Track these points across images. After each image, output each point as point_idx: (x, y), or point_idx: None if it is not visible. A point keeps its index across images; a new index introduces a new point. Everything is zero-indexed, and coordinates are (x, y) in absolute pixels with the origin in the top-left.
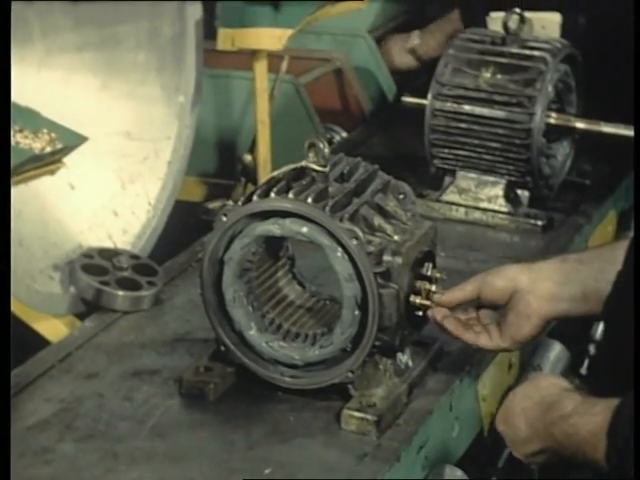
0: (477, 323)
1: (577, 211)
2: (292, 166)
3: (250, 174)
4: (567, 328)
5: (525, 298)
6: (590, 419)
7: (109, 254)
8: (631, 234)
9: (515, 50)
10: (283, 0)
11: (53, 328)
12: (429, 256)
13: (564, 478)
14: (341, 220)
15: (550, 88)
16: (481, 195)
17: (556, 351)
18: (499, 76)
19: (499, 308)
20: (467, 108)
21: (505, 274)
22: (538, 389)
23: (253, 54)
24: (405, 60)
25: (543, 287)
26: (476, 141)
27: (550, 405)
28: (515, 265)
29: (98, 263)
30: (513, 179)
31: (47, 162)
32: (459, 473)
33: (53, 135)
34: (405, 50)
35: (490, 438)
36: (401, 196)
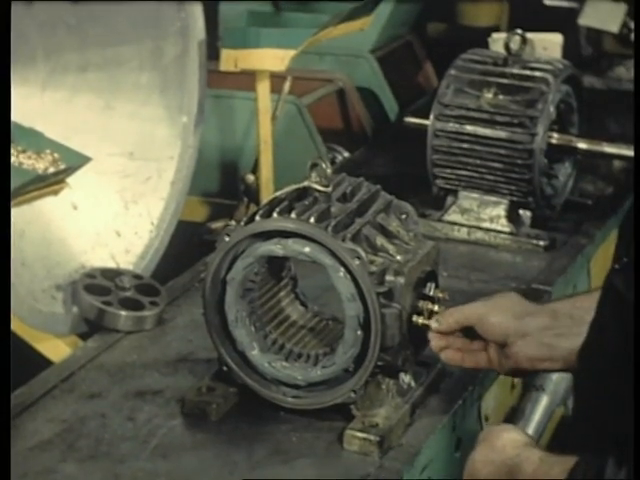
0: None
1: (579, 231)
2: (295, 186)
3: (253, 194)
4: None
5: (516, 355)
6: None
7: (112, 274)
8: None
9: (517, 71)
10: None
11: (55, 348)
12: (431, 276)
13: None
14: (343, 240)
15: (552, 109)
16: (483, 215)
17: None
18: (501, 97)
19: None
20: (469, 128)
21: (497, 320)
22: (496, 451)
23: (256, 75)
24: None
25: (533, 348)
26: (478, 161)
27: (512, 468)
28: (505, 312)
29: (101, 283)
30: (515, 199)
31: (50, 182)
32: None
33: (56, 155)
34: None
35: None
36: (403, 216)
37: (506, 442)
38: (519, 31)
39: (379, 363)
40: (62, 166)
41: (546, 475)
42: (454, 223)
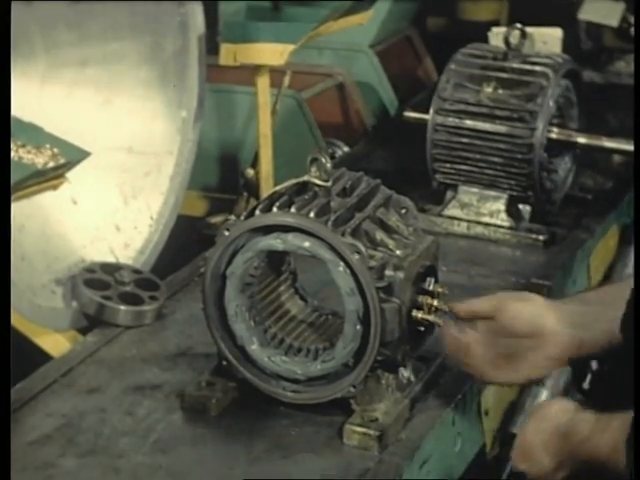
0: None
1: (579, 226)
2: (294, 181)
3: (252, 188)
4: None
5: (552, 341)
6: (610, 436)
7: (111, 269)
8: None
9: (517, 65)
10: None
11: (55, 343)
12: (431, 271)
13: None
14: (343, 235)
15: (552, 103)
16: (483, 210)
17: None
18: (501, 91)
19: (509, 335)
20: (469, 123)
21: (531, 307)
22: (548, 419)
23: (255, 69)
24: None
25: (570, 332)
26: (478, 156)
27: (567, 432)
28: (539, 299)
29: (100, 278)
30: (515, 194)
31: (50, 177)
32: None
33: (56, 150)
34: None
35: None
36: (403, 211)
37: (557, 410)
38: (519, 25)
39: (379, 358)
40: (61, 161)
41: (604, 431)
42: (454, 218)
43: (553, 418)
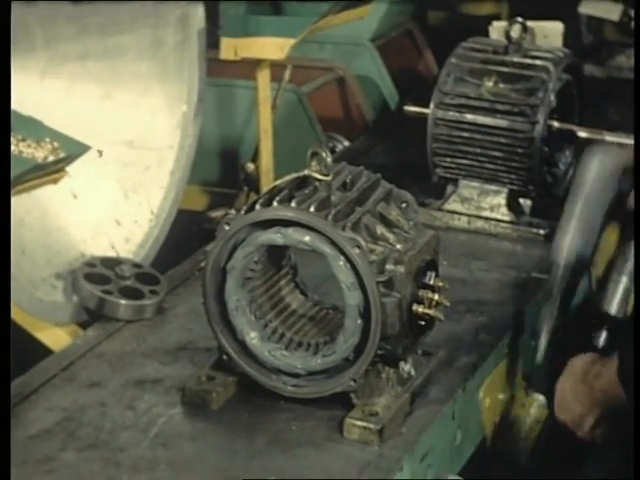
0: None
1: None
2: (294, 175)
3: (253, 183)
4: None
5: None
6: (609, 371)
7: (112, 263)
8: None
9: (517, 59)
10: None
11: (56, 337)
12: (432, 265)
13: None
14: (343, 229)
15: (552, 97)
16: (483, 204)
17: None
18: (501, 85)
19: None
20: (469, 117)
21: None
22: (576, 373)
23: (256, 63)
24: None
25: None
26: (478, 150)
27: (590, 383)
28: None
29: (101, 272)
30: (515, 188)
31: (50, 171)
32: None
33: (56, 144)
34: None
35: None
36: (403, 205)
37: (581, 363)
38: (520, 19)
39: (379, 352)
40: (62, 155)
41: (606, 365)
42: (454, 212)
43: (579, 371)
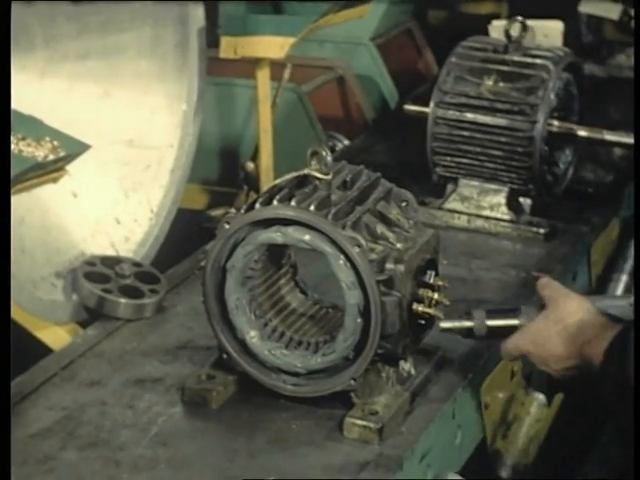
0: None
1: (580, 219)
2: (295, 174)
3: (253, 182)
4: None
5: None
6: (603, 343)
7: (112, 262)
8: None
9: (517, 58)
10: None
11: (55, 336)
12: (431, 264)
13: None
14: (343, 228)
15: (552, 96)
16: (483, 203)
17: None
18: (501, 84)
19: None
20: (469, 116)
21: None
22: (568, 313)
23: (256, 62)
24: None
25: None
26: (478, 149)
27: (579, 329)
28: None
29: (101, 271)
30: (515, 187)
31: (50, 170)
32: None
33: (56, 143)
34: None
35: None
36: (403, 204)
37: (578, 306)
38: (519, 18)
39: (379, 351)
40: (62, 154)
41: (601, 336)
42: (454, 211)
43: (572, 314)
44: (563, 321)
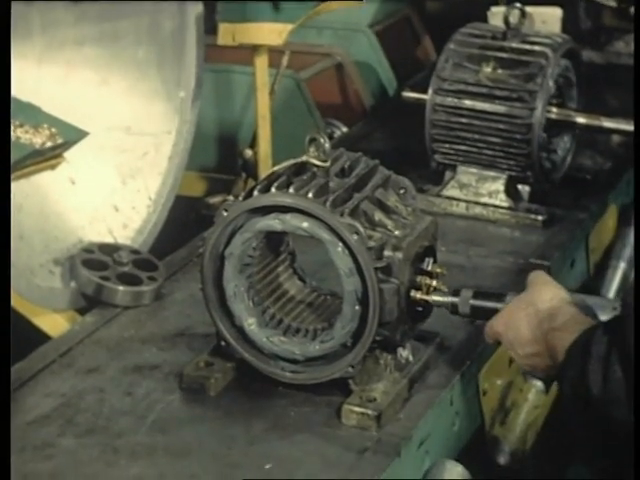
0: None
1: (578, 206)
2: (293, 161)
3: (251, 169)
4: None
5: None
6: (569, 336)
7: (110, 249)
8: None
9: (516, 45)
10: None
11: (54, 323)
12: (430, 251)
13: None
14: (342, 215)
15: (551, 83)
16: (482, 190)
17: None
18: (500, 71)
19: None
20: (468, 103)
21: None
22: (542, 298)
23: (254, 49)
24: None
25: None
26: (477, 136)
27: (549, 315)
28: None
29: (99, 258)
30: (514, 174)
31: (48, 157)
32: (460, 468)
33: (53, 130)
34: None
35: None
36: (402, 191)
37: (554, 294)
38: (518, 5)
39: (377, 338)
40: (59, 140)
41: (569, 329)
42: (452, 198)
43: (545, 300)
44: (535, 305)
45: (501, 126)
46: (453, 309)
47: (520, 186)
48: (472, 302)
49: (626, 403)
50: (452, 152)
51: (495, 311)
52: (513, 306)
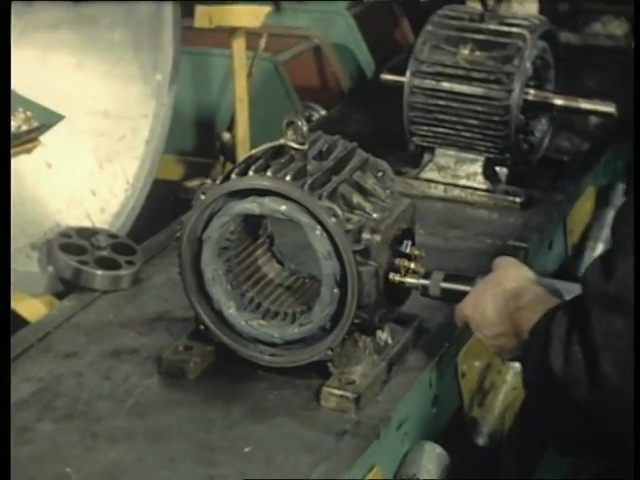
0: None
1: (555, 188)
2: (270, 144)
3: (229, 152)
4: None
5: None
6: (533, 316)
7: (87, 233)
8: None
9: (493, 27)
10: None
11: (31, 307)
12: (408, 233)
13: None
14: (320, 198)
15: (528, 65)
16: (460, 172)
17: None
18: (477, 53)
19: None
20: (445, 85)
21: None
22: (508, 278)
23: (231, 31)
24: None
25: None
26: (455, 118)
27: (514, 295)
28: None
29: (76, 242)
30: (492, 156)
31: (23, 140)
32: (439, 450)
33: (29, 113)
34: None
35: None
36: (380, 174)
37: (520, 274)
38: None
39: (356, 321)
40: (35, 124)
41: (534, 308)
42: (431, 180)
43: (511, 279)
44: (501, 285)
45: (479, 108)
46: (424, 291)
47: (498, 168)
48: (442, 285)
49: (587, 384)
50: (430, 134)
51: (465, 294)
52: (480, 287)
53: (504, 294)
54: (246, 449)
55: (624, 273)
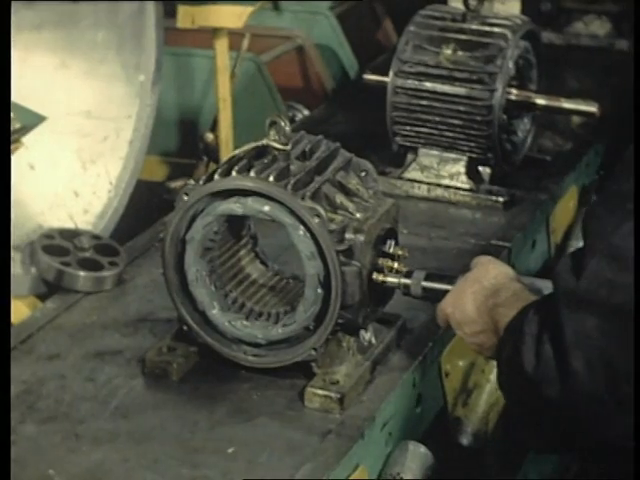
0: None
1: (538, 187)
2: (253, 144)
3: (212, 153)
4: None
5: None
6: (509, 313)
7: (70, 235)
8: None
9: (475, 27)
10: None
11: (14, 309)
12: (391, 233)
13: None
14: (303, 198)
15: (511, 64)
16: (443, 172)
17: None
18: (460, 53)
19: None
20: (428, 85)
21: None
22: (487, 276)
23: (214, 32)
24: None
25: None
26: (437, 118)
27: (493, 292)
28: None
29: (59, 244)
30: (475, 156)
31: None
32: (422, 449)
33: (11, 115)
34: None
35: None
36: (363, 174)
37: (500, 271)
38: None
39: (339, 321)
40: (17, 125)
41: (511, 305)
42: (414, 180)
43: (491, 276)
44: (480, 282)
45: (461, 108)
46: (406, 290)
47: (481, 168)
48: (424, 284)
49: (558, 382)
50: (413, 134)
51: (446, 293)
52: (459, 286)
53: (483, 291)
54: (230, 450)
55: (594, 271)
